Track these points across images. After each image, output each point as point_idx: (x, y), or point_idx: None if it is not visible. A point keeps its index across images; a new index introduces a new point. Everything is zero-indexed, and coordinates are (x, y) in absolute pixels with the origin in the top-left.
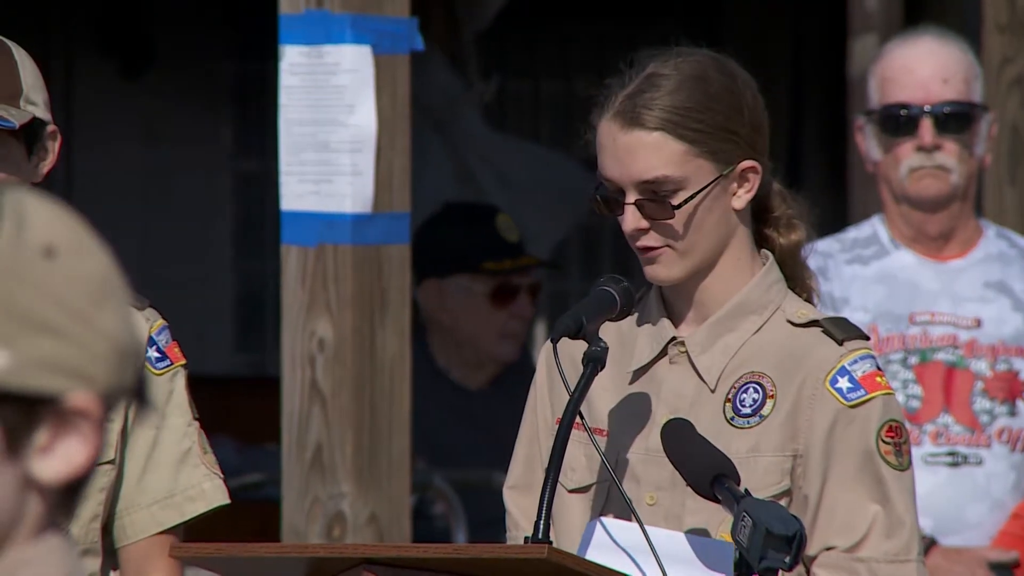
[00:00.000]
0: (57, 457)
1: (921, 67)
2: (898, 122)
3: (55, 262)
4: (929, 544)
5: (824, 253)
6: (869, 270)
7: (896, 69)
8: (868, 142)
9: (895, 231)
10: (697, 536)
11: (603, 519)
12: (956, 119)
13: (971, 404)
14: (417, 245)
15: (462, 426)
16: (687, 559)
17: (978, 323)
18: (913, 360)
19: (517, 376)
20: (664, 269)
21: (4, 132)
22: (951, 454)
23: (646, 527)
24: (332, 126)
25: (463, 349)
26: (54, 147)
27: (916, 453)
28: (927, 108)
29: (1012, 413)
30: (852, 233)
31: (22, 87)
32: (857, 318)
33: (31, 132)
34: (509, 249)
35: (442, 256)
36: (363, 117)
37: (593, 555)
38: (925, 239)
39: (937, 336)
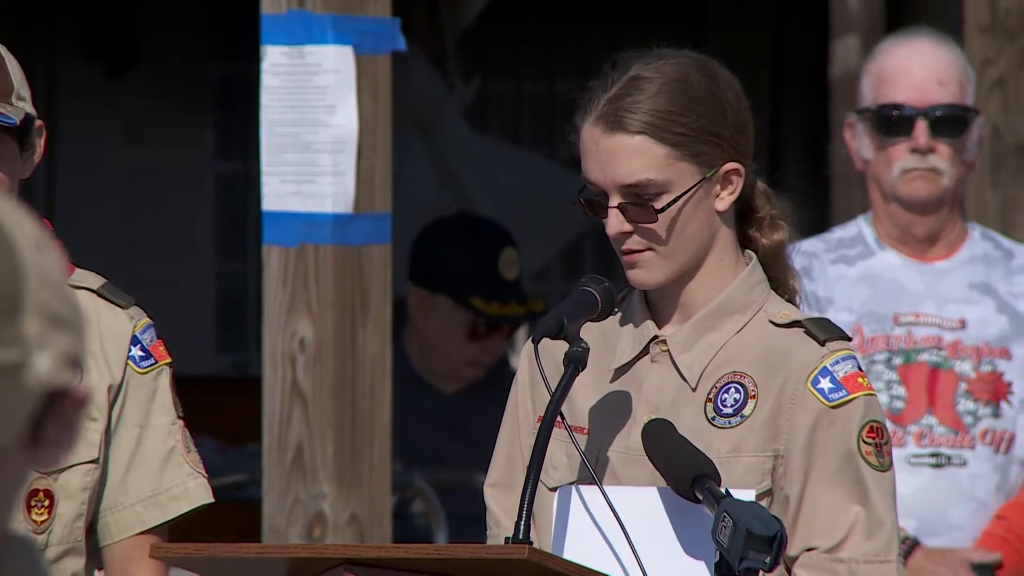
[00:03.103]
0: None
1: (918, 68)
2: (893, 122)
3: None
4: (912, 545)
5: (809, 253)
6: (854, 270)
7: (891, 69)
8: (859, 140)
9: (881, 231)
10: (671, 495)
11: (579, 488)
12: (950, 122)
13: (955, 405)
14: (419, 247)
15: (440, 427)
16: (664, 537)
17: (963, 324)
18: (897, 361)
19: (494, 378)
20: (647, 273)
21: (1, 130)
22: (935, 455)
23: (618, 514)
24: (313, 126)
25: (435, 357)
26: (40, 143)
27: (900, 454)
28: (922, 110)
29: (996, 415)
30: (837, 233)
31: (13, 83)
32: (842, 318)
33: (23, 128)
34: (502, 290)
35: (437, 272)
36: (345, 117)
37: (572, 538)
38: (911, 240)
39: (921, 337)
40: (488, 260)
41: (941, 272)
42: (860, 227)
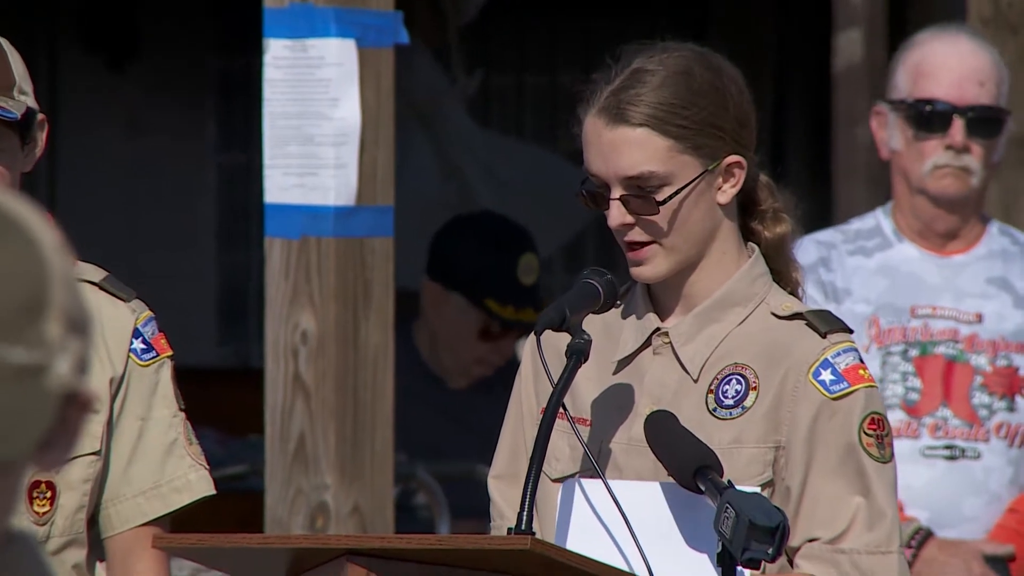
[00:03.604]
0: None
1: (958, 66)
2: (928, 117)
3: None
4: (926, 536)
5: (827, 243)
6: (871, 262)
7: (931, 64)
8: (889, 130)
9: (902, 223)
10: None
11: (582, 480)
12: (986, 123)
13: (970, 398)
14: (438, 242)
15: (444, 420)
16: (667, 530)
17: (979, 318)
18: (913, 353)
19: (501, 376)
20: (650, 268)
21: (2, 124)
22: (949, 447)
23: (621, 504)
24: (316, 119)
25: (445, 352)
26: (42, 136)
27: (914, 446)
28: (961, 108)
29: (1011, 408)
30: (855, 224)
31: (15, 77)
32: (859, 310)
33: (25, 122)
34: (518, 294)
35: (454, 270)
36: (347, 110)
37: (575, 529)
38: (931, 234)
39: (938, 330)
40: (507, 263)
41: (959, 266)
42: (878, 219)
